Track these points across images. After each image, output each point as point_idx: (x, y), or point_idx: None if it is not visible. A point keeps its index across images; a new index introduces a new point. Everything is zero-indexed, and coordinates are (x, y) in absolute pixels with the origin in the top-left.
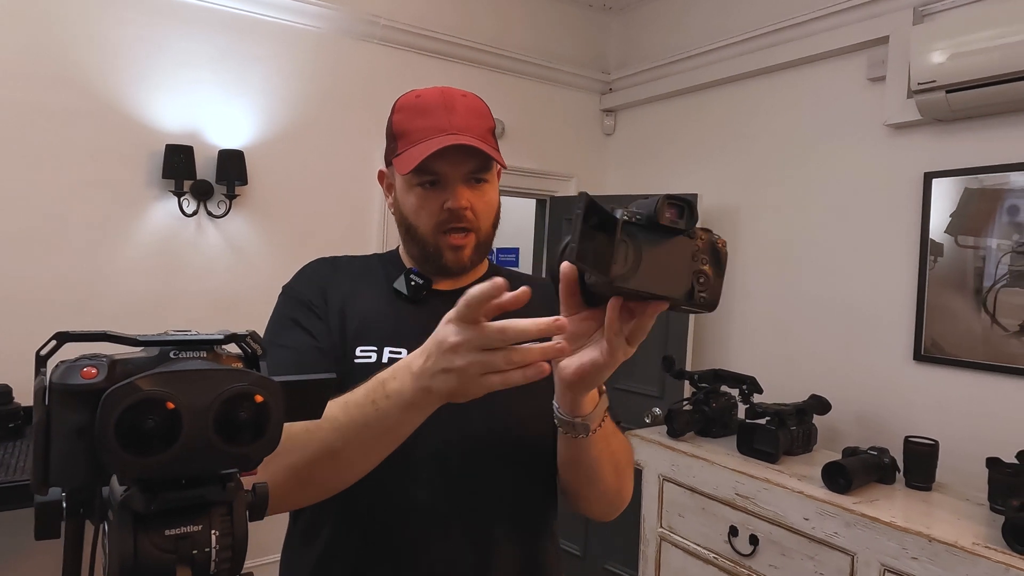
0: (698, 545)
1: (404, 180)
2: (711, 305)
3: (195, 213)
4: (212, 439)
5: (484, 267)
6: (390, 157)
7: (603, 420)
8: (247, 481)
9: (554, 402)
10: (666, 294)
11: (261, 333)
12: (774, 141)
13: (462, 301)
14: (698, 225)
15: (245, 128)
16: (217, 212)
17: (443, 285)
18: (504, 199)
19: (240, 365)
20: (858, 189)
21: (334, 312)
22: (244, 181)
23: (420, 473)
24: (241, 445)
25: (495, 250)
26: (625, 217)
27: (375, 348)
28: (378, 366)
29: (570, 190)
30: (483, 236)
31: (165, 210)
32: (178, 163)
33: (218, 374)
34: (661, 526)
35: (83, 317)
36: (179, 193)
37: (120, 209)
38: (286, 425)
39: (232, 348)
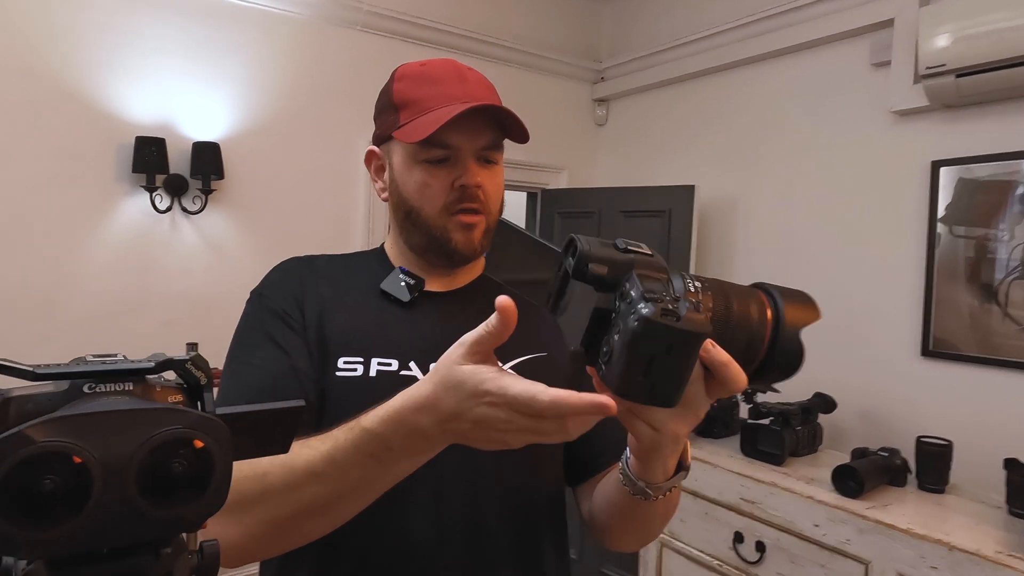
0: (701, 552)
1: (406, 157)
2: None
3: (169, 209)
4: (135, 501)
5: (480, 267)
6: (389, 131)
7: (671, 491)
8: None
9: (627, 448)
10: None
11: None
12: (773, 130)
13: (474, 343)
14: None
15: (221, 119)
16: (192, 208)
17: (435, 286)
18: None
19: (180, 399)
20: (862, 178)
21: (311, 321)
22: (220, 175)
23: (417, 512)
24: (175, 506)
25: None
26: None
27: (361, 360)
28: (364, 380)
29: (561, 182)
30: (491, 222)
31: (136, 206)
32: (149, 156)
33: (144, 415)
34: (662, 532)
35: (49, 321)
36: (151, 188)
37: (88, 206)
38: (261, 470)
39: (170, 375)
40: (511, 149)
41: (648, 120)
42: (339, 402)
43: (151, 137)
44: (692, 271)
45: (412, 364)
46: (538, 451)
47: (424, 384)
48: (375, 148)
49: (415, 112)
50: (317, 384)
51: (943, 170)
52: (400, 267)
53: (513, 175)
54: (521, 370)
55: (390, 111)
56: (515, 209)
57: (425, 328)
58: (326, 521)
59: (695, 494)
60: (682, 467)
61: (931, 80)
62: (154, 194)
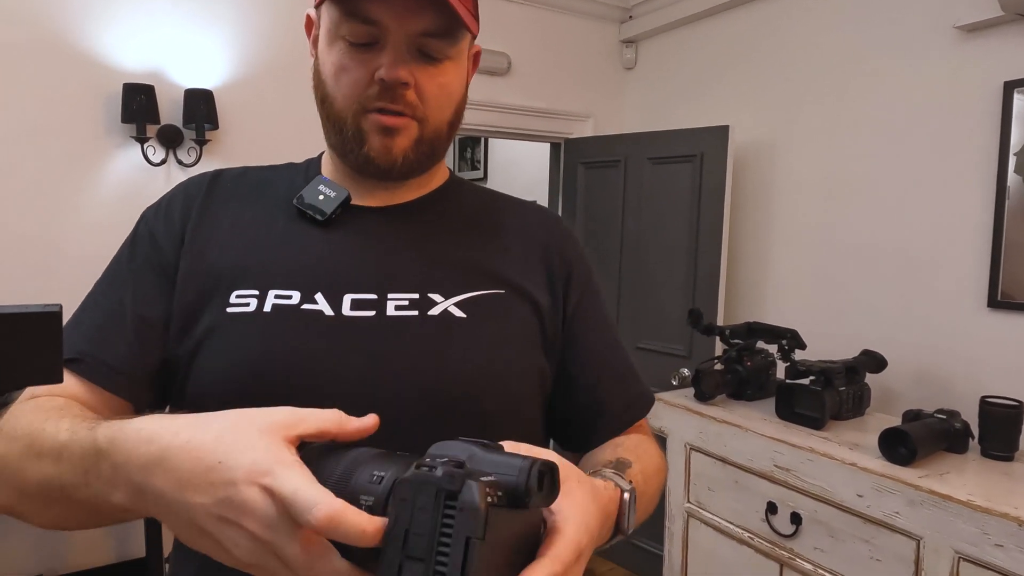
0: (730, 523)
1: (329, 26)
2: None
3: (163, 162)
4: None
5: (442, 176)
6: None
7: (629, 514)
8: None
9: None
10: None
11: None
12: (819, 60)
13: (302, 419)
14: None
15: (215, 65)
16: (188, 160)
17: (368, 200)
18: (516, 146)
19: None
20: (920, 108)
21: (196, 252)
22: (215, 125)
23: None
24: None
25: None
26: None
27: (256, 292)
28: (256, 316)
29: (586, 131)
30: (431, 131)
31: (128, 159)
32: (138, 105)
33: None
34: (688, 501)
35: (41, 282)
36: (142, 139)
37: (77, 158)
38: (10, 435)
39: None
40: (532, 96)
41: (680, 60)
42: (227, 346)
43: (139, 84)
44: (727, 220)
45: (319, 296)
46: (498, 361)
47: (196, 424)
48: (311, 12)
49: None
50: (181, 339)
51: (1017, 93)
52: (322, 176)
53: (534, 124)
54: (470, 306)
55: None
56: (538, 161)
57: (342, 252)
58: (65, 516)
59: (724, 460)
60: (618, 531)
61: None
62: (146, 146)
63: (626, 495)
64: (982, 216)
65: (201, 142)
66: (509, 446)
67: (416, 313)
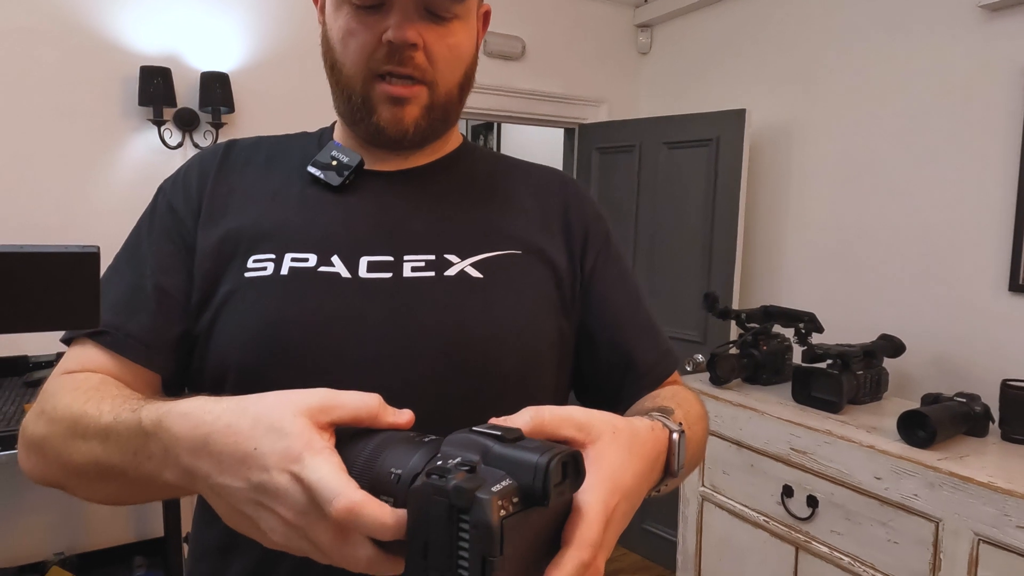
0: (745, 506)
1: None
2: None
3: (180, 145)
4: None
5: (455, 140)
6: None
7: (679, 458)
8: None
9: None
10: None
11: None
12: (837, 42)
13: (334, 404)
14: None
15: (231, 49)
16: (204, 143)
17: (381, 164)
18: (529, 132)
19: None
20: (940, 89)
21: (213, 220)
22: (231, 108)
23: None
24: None
25: None
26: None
27: (272, 256)
28: (273, 279)
29: (600, 116)
30: (442, 95)
31: (145, 142)
32: (155, 88)
33: None
34: (703, 485)
35: None
36: (159, 122)
37: (95, 141)
38: (55, 415)
39: None
40: (545, 81)
41: (695, 44)
42: (246, 309)
43: (156, 67)
44: (742, 204)
45: (335, 259)
46: (510, 321)
47: (236, 409)
48: None
49: None
50: (202, 308)
51: None
52: (335, 142)
53: (547, 109)
54: (487, 266)
55: None
56: (551, 147)
57: (357, 215)
58: (118, 493)
59: (739, 444)
60: (668, 473)
61: None
62: (163, 128)
63: (675, 435)
64: (1004, 199)
65: (217, 125)
66: (532, 412)
67: (433, 274)
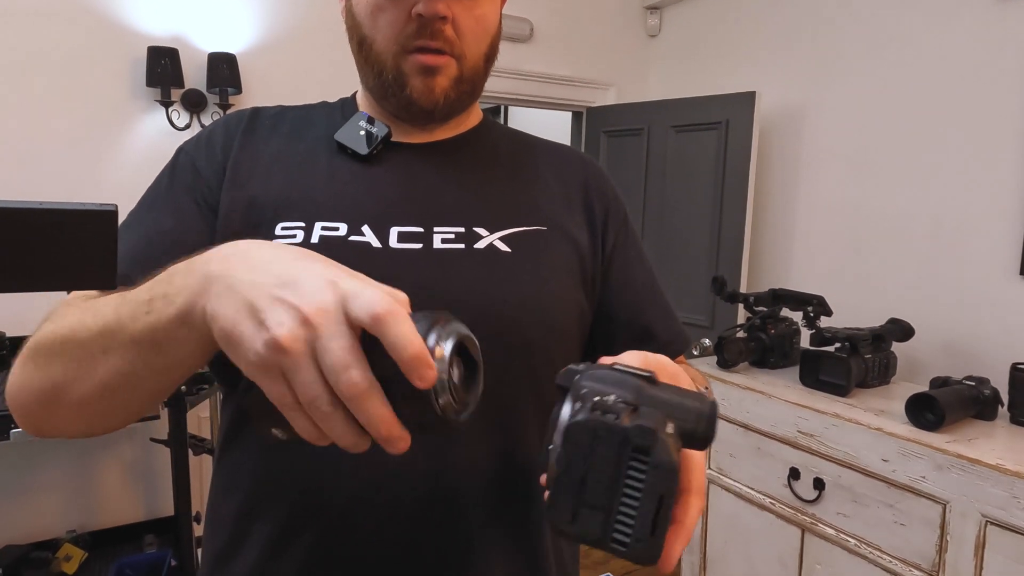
0: (752, 489)
1: None
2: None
3: (188, 127)
4: None
5: (476, 116)
6: None
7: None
8: None
9: None
10: None
11: None
12: (848, 24)
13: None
14: None
15: (238, 29)
16: None
17: (408, 136)
18: (537, 115)
19: None
20: (952, 73)
21: (239, 184)
22: (238, 89)
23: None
24: None
25: None
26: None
27: (302, 224)
28: (305, 247)
29: (609, 99)
30: (469, 68)
31: (154, 124)
32: (162, 69)
33: None
34: (710, 467)
35: None
36: (167, 103)
37: (104, 121)
38: (64, 323)
39: None
40: (554, 64)
41: (705, 27)
42: None
43: (163, 47)
44: (751, 188)
45: (365, 228)
46: (536, 293)
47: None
48: None
49: None
50: None
51: None
52: (363, 112)
53: (555, 92)
54: (515, 240)
55: None
56: (559, 130)
57: (386, 186)
58: (131, 394)
59: (746, 427)
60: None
61: None
62: (171, 109)
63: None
64: (1015, 183)
65: (225, 106)
66: (640, 356)
67: (463, 246)
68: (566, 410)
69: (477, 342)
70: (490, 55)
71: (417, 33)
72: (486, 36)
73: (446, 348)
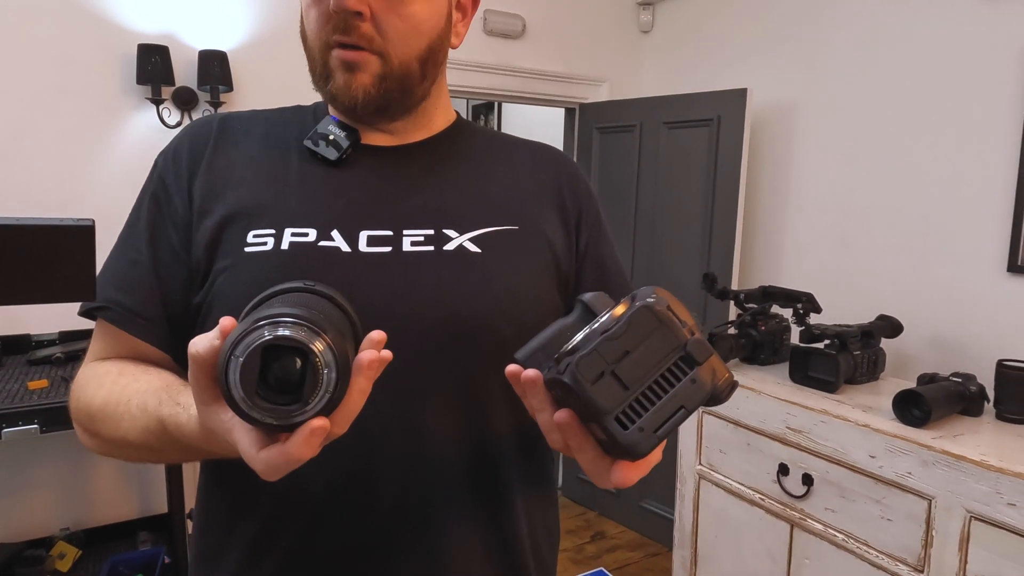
0: (742, 484)
1: None
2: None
3: (179, 124)
4: None
5: (448, 117)
6: None
7: None
8: None
9: None
10: None
11: None
12: (839, 22)
13: None
14: None
15: (229, 27)
16: None
17: (377, 139)
18: (529, 112)
19: None
20: (942, 70)
21: (208, 195)
22: (229, 87)
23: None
24: None
25: None
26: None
27: (272, 231)
28: (274, 254)
29: (601, 95)
30: (396, 68)
31: (144, 121)
32: (153, 66)
33: None
34: (700, 463)
35: None
36: (158, 101)
37: (94, 119)
38: (97, 400)
39: None
40: (546, 60)
41: (698, 23)
42: (246, 285)
43: (154, 45)
44: (743, 184)
45: (335, 233)
46: (513, 290)
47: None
48: None
49: None
50: (197, 283)
51: None
52: (332, 116)
53: (548, 88)
54: (485, 241)
55: None
56: (552, 127)
57: (356, 190)
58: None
59: (736, 423)
60: None
61: None
62: (161, 107)
63: None
64: (1004, 180)
65: (216, 104)
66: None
67: (432, 248)
68: (641, 295)
69: (293, 334)
70: (427, 57)
71: (335, 28)
72: (417, 36)
73: (232, 378)
